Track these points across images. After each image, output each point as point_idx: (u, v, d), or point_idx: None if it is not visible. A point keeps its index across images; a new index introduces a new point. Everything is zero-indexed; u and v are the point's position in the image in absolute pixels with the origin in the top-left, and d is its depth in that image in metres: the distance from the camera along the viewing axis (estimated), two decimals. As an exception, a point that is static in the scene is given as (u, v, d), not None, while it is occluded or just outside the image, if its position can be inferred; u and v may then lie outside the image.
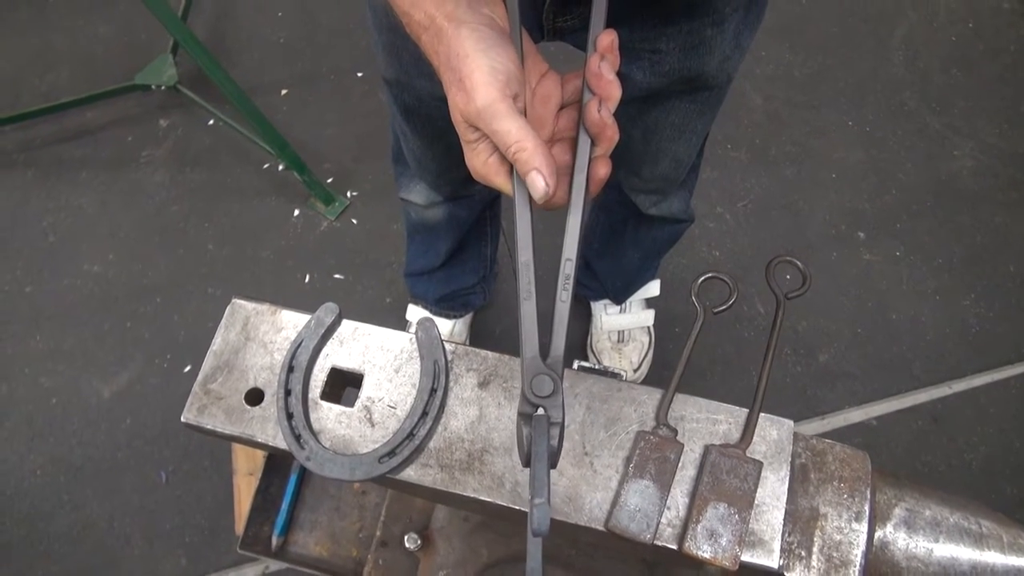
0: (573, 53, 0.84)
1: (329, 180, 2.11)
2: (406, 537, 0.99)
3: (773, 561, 0.64)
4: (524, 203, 0.57)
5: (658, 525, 0.65)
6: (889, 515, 0.69)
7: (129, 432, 1.81)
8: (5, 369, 1.88)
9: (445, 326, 1.71)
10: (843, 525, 0.67)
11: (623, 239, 1.47)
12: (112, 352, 1.90)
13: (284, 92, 2.27)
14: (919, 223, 2.05)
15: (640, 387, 0.71)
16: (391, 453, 0.68)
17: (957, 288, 1.96)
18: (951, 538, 0.69)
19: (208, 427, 0.71)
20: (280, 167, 2.12)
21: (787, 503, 0.67)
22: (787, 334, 1.89)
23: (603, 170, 0.58)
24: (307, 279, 1.97)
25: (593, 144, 0.58)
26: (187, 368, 1.87)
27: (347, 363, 0.73)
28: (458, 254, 1.52)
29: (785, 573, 0.66)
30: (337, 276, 1.96)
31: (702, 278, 0.76)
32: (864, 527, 0.67)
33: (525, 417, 0.55)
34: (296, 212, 2.08)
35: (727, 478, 0.66)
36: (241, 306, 0.76)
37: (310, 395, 0.71)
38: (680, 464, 0.68)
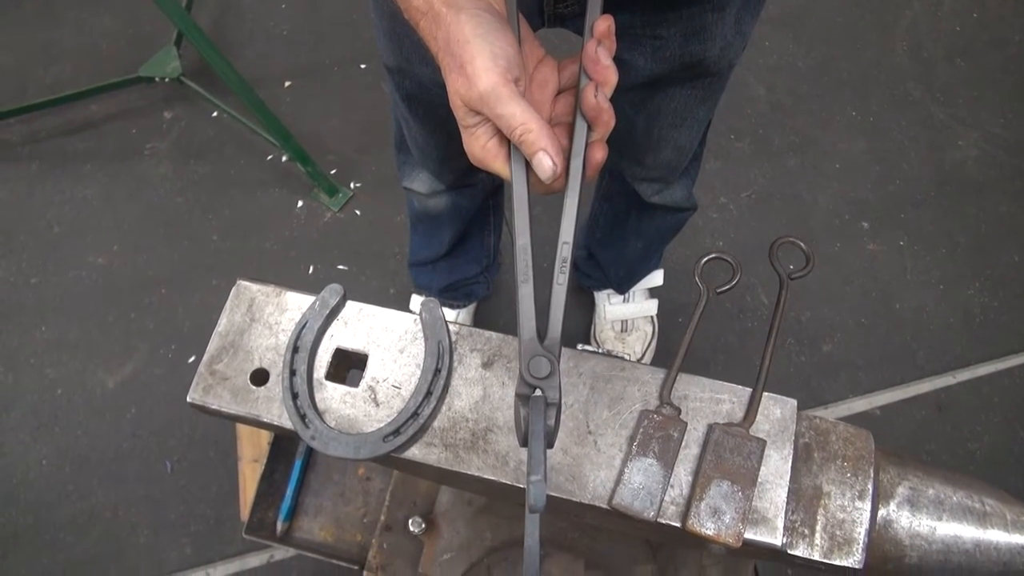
0: (572, 40, 0.84)
1: (333, 171, 2.12)
2: (410, 521, 0.99)
3: (776, 538, 0.65)
4: (522, 187, 0.58)
5: (661, 503, 0.65)
6: (892, 494, 0.69)
7: (134, 422, 1.82)
8: (11, 360, 1.89)
9: (448, 316, 1.72)
10: (846, 503, 0.67)
11: (626, 228, 1.48)
12: (117, 343, 1.90)
13: (288, 84, 2.27)
14: (923, 213, 2.04)
15: (643, 367, 0.72)
16: (395, 432, 0.68)
17: (961, 277, 1.96)
18: (954, 516, 0.69)
19: (213, 407, 0.72)
20: (284, 158, 2.13)
21: (791, 482, 0.67)
22: (790, 324, 1.89)
23: (599, 154, 0.59)
24: (311, 270, 1.98)
25: (590, 129, 0.58)
26: (192, 359, 1.87)
27: (351, 344, 0.73)
28: (461, 244, 1.52)
29: (788, 551, 0.66)
30: (341, 267, 1.96)
31: (705, 258, 0.76)
32: (867, 505, 0.67)
33: (522, 398, 0.56)
34: (300, 203, 2.08)
35: (730, 456, 0.66)
36: (246, 288, 0.76)
37: (315, 375, 0.72)
38: (684, 443, 0.68)
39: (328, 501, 1.15)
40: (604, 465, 0.67)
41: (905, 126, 2.17)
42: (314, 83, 2.28)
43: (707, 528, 0.64)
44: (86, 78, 2.21)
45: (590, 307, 1.88)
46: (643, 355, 1.78)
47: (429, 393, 0.70)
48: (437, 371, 0.70)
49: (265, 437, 1.22)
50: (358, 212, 2.07)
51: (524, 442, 0.55)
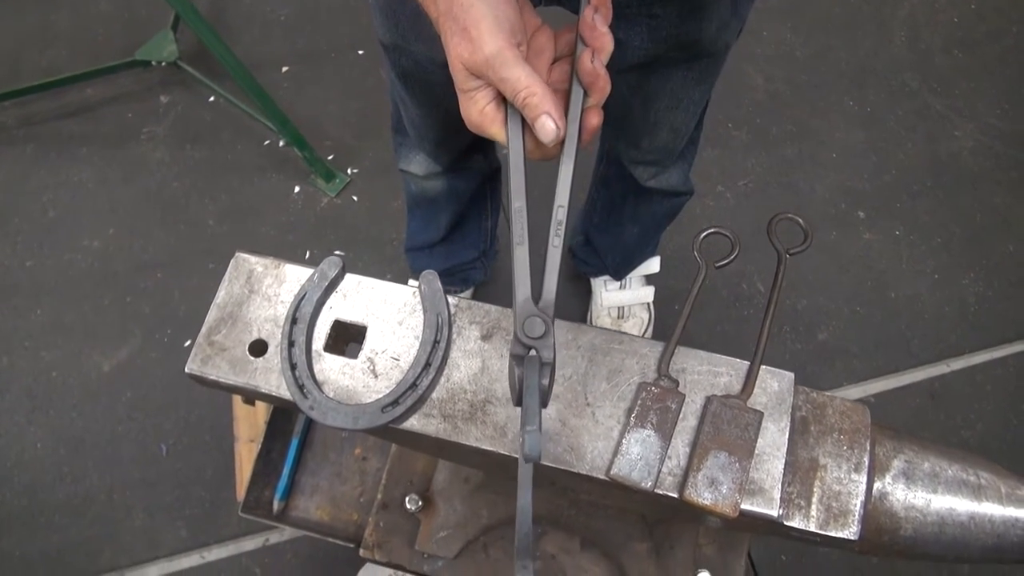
0: (568, 20, 0.84)
1: (330, 157, 2.11)
2: (407, 499, 1.00)
3: (773, 509, 0.65)
4: (519, 150, 0.59)
5: (659, 473, 0.65)
6: (888, 467, 0.70)
7: (129, 405, 1.82)
8: (5, 342, 1.88)
9: (446, 301, 1.71)
10: (842, 476, 0.68)
11: (623, 213, 1.48)
12: (112, 326, 1.90)
13: (285, 69, 2.26)
14: (919, 203, 2.05)
15: (642, 340, 0.72)
16: (394, 403, 0.68)
17: (956, 267, 1.96)
18: (949, 489, 0.69)
19: (212, 378, 0.72)
20: (281, 143, 2.12)
21: (787, 454, 0.67)
22: (786, 312, 1.89)
23: (595, 119, 0.59)
24: (307, 255, 1.97)
25: (586, 95, 0.59)
26: (187, 343, 1.87)
27: (350, 316, 0.73)
28: (458, 228, 1.52)
29: (785, 522, 0.66)
30: (337, 252, 1.96)
31: (704, 233, 0.76)
32: (863, 478, 0.67)
33: (517, 358, 0.56)
34: (297, 189, 2.08)
35: (728, 428, 0.67)
36: (245, 260, 0.76)
37: (313, 347, 0.72)
38: (681, 415, 0.68)
39: (324, 480, 1.15)
40: (602, 436, 0.68)
41: (902, 116, 2.18)
42: (312, 69, 2.27)
43: (704, 498, 0.64)
44: (82, 62, 2.20)
45: (587, 294, 1.88)
46: (639, 341, 1.78)
47: (428, 364, 0.70)
48: (436, 343, 0.71)
49: (262, 417, 1.22)
50: (355, 198, 2.07)
51: (518, 401, 0.56)
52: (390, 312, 0.73)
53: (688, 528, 0.97)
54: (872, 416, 0.71)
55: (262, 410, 1.24)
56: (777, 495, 0.65)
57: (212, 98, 2.20)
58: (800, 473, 0.68)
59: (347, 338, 0.76)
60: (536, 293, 0.58)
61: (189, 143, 2.15)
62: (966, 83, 2.23)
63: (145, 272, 1.96)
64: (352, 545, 1.08)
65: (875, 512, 0.69)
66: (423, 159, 1.26)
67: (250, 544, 1.68)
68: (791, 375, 0.70)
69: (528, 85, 0.54)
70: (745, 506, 0.65)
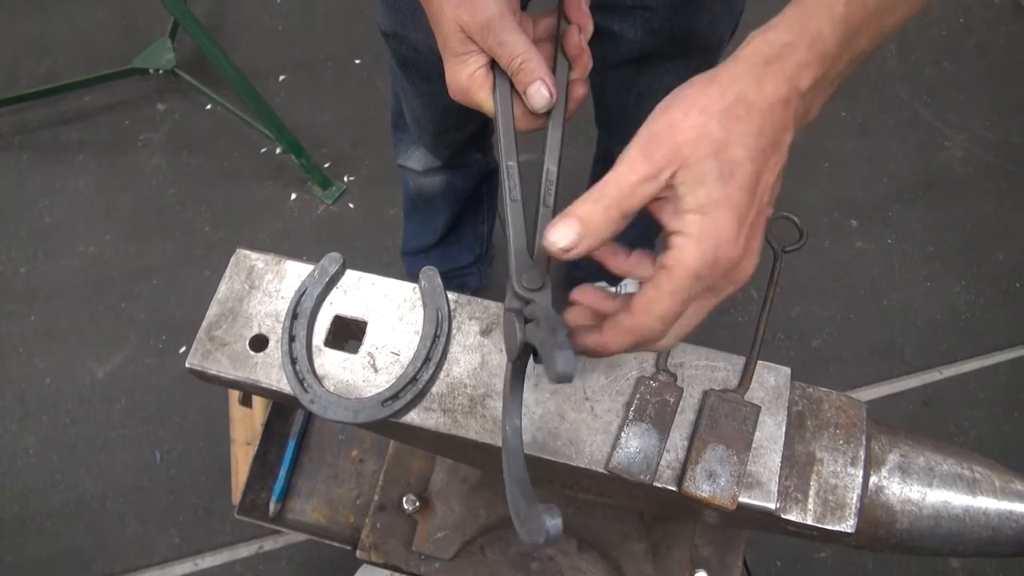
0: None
1: (326, 165, 2.12)
2: (404, 499, 0.99)
3: (771, 502, 0.65)
4: (507, 114, 0.61)
5: (657, 466, 0.66)
6: (884, 461, 0.70)
7: (123, 412, 1.81)
8: (-1, 348, 1.88)
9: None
10: (839, 469, 0.68)
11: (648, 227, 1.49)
12: (107, 332, 1.90)
13: (282, 78, 2.28)
14: (911, 212, 2.07)
15: (640, 335, 0.72)
16: (394, 397, 0.68)
17: (948, 275, 1.98)
18: (944, 483, 0.70)
19: (212, 372, 0.72)
20: (277, 151, 2.13)
21: (784, 448, 0.68)
22: (780, 319, 1.90)
23: (581, 90, 0.62)
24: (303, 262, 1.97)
25: (570, 68, 0.62)
26: (182, 349, 1.87)
27: (351, 311, 0.73)
28: (454, 231, 1.53)
29: (782, 515, 0.67)
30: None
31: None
32: (859, 472, 0.68)
33: (515, 312, 0.56)
34: (293, 196, 2.09)
35: (725, 421, 0.67)
36: (245, 256, 0.77)
37: (314, 342, 0.72)
38: (680, 408, 0.69)
39: (321, 483, 1.15)
40: (601, 430, 0.68)
41: (893, 126, 2.20)
42: (308, 77, 2.28)
43: (703, 491, 0.64)
44: (79, 70, 2.21)
45: (582, 301, 1.89)
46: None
47: (428, 359, 0.70)
48: (436, 337, 0.71)
49: (258, 419, 1.21)
50: (351, 205, 2.08)
51: (517, 355, 0.55)
52: (390, 308, 0.74)
53: (685, 528, 0.97)
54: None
55: (259, 413, 1.24)
56: (774, 488, 0.66)
57: (209, 106, 2.21)
58: (797, 467, 0.69)
59: (347, 334, 0.76)
60: (530, 251, 0.58)
61: (186, 150, 2.16)
62: (956, 94, 2.26)
63: (140, 278, 1.96)
64: (348, 547, 1.07)
65: (871, 505, 0.69)
66: (422, 154, 1.27)
67: (244, 551, 1.67)
68: (787, 370, 0.71)
69: (524, 51, 0.55)
70: (743, 499, 0.65)
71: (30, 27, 2.38)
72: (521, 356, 0.57)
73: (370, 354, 0.72)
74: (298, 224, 2.04)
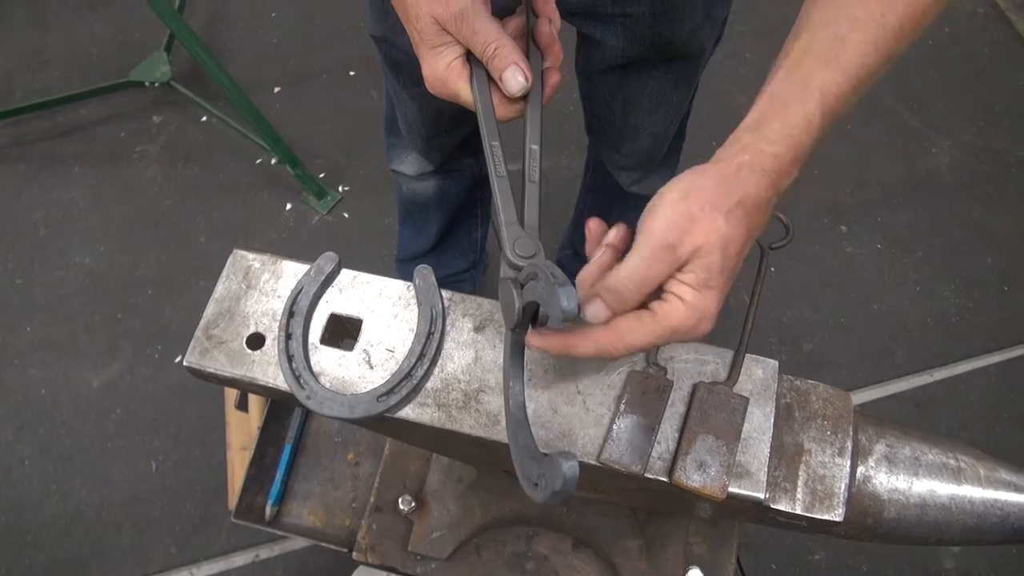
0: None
1: (321, 175, 2.14)
2: (400, 499, 1.00)
3: (760, 491, 0.67)
4: (487, 101, 0.63)
5: (648, 457, 0.67)
6: (871, 451, 0.72)
7: (119, 422, 1.81)
8: (-6, 360, 1.88)
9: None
10: (826, 460, 0.70)
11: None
12: (102, 343, 1.90)
13: (277, 90, 2.30)
14: (899, 217, 2.10)
15: (631, 330, 0.74)
16: (389, 392, 0.70)
17: (937, 279, 2.01)
18: (930, 472, 0.71)
19: (210, 370, 0.73)
20: (272, 162, 2.14)
21: (773, 439, 0.69)
22: (772, 324, 1.92)
23: (556, 76, 0.65)
24: (299, 271, 1.98)
25: (543, 58, 0.65)
26: (178, 359, 1.87)
27: (346, 309, 0.75)
28: (448, 237, 1.54)
29: (771, 505, 0.68)
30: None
31: None
32: (847, 462, 0.69)
33: (512, 281, 0.58)
34: (288, 206, 2.10)
35: (715, 413, 0.69)
36: (243, 256, 0.78)
37: (310, 340, 0.73)
38: (670, 401, 0.70)
39: (317, 486, 1.15)
40: (593, 423, 0.69)
41: (880, 134, 2.23)
42: (304, 89, 2.31)
43: (693, 480, 0.66)
44: (75, 83, 2.23)
45: (576, 307, 1.90)
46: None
47: (422, 355, 0.71)
48: (430, 334, 0.72)
49: (255, 423, 1.22)
50: (346, 215, 2.09)
51: (516, 324, 0.58)
52: (385, 306, 0.75)
53: (678, 525, 0.98)
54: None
55: (255, 417, 1.25)
56: (763, 477, 0.67)
57: (204, 118, 2.23)
58: (786, 458, 0.70)
59: (343, 333, 0.78)
60: (521, 222, 0.61)
61: (181, 162, 2.17)
62: (942, 102, 2.30)
63: (136, 289, 1.97)
64: (344, 550, 1.08)
65: (859, 495, 0.70)
66: (415, 158, 1.29)
67: (240, 560, 1.67)
68: (775, 363, 0.73)
69: (497, 38, 0.59)
70: (733, 488, 0.66)
71: (27, 41, 2.40)
72: (521, 324, 0.59)
73: (365, 351, 0.73)
74: (293, 234, 2.06)
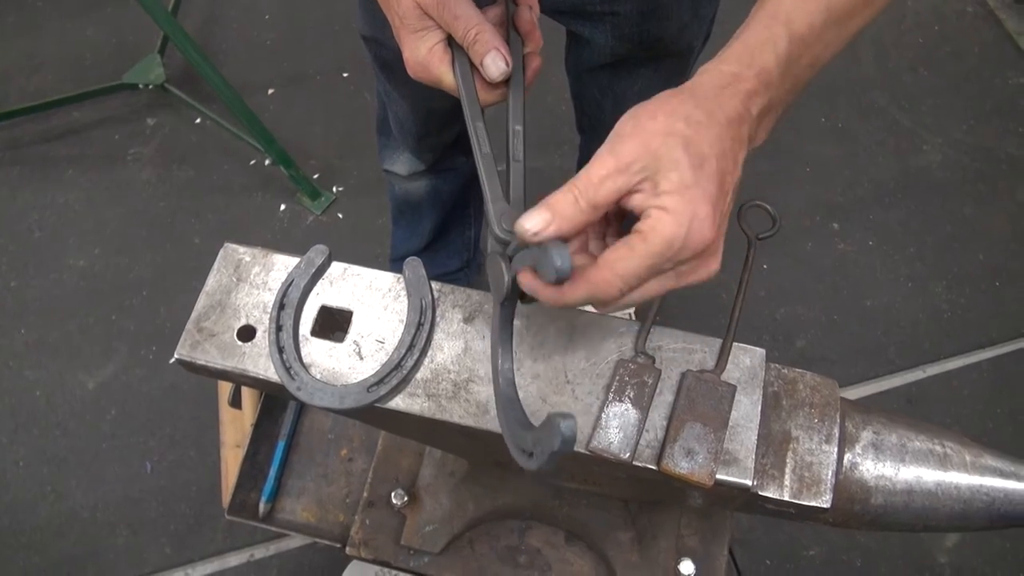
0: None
1: (315, 176, 2.14)
2: (393, 493, 1.01)
3: (748, 478, 0.67)
4: (469, 85, 0.65)
5: (637, 445, 0.67)
6: (858, 438, 0.72)
7: (114, 423, 1.81)
8: (-11, 362, 1.88)
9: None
10: (814, 447, 0.70)
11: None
12: (97, 344, 1.90)
13: (271, 92, 2.30)
14: (891, 214, 2.11)
15: (620, 320, 0.74)
16: (379, 382, 0.70)
17: (929, 276, 2.02)
18: (916, 459, 0.72)
19: (201, 363, 0.73)
20: (266, 163, 2.15)
21: (760, 427, 0.69)
22: (765, 321, 1.93)
23: (536, 61, 0.67)
24: (293, 272, 1.99)
25: (523, 43, 0.66)
26: (173, 359, 1.87)
27: (336, 301, 0.75)
28: (442, 236, 1.55)
29: (759, 492, 0.68)
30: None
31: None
32: (834, 449, 0.70)
33: (499, 254, 0.59)
34: (283, 207, 2.11)
35: (702, 400, 0.69)
36: (234, 250, 0.78)
37: (300, 331, 0.74)
38: (658, 389, 0.70)
39: (311, 482, 1.16)
40: (582, 412, 0.70)
41: (872, 132, 2.25)
42: (297, 91, 2.31)
43: (681, 467, 0.66)
44: (69, 86, 2.23)
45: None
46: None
47: (412, 346, 0.72)
48: (420, 325, 0.73)
49: (248, 421, 1.22)
50: (340, 215, 2.10)
51: (505, 299, 0.59)
52: (375, 298, 0.76)
53: (670, 517, 0.98)
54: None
55: (248, 414, 1.25)
56: (751, 464, 0.67)
57: (198, 120, 2.24)
58: (773, 445, 0.70)
59: (334, 325, 0.78)
60: (506, 197, 0.62)
61: (176, 164, 2.18)
62: (933, 100, 2.31)
63: (130, 290, 1.97)
64: (338, 545, 1.08)
65: (846, 482, 0.71)
66: (407, 158, 1.30)
67: (235, 560, 1.67)
68: (762, 351, 0.73)
69: (478, 23, 0.60)
70: (721, 475, 0.67)
71: (20, 44, 2.40)
72: (509, 297, 0.59)
73: (356, 342, 0.73)
74: (288, 235, 2.06)
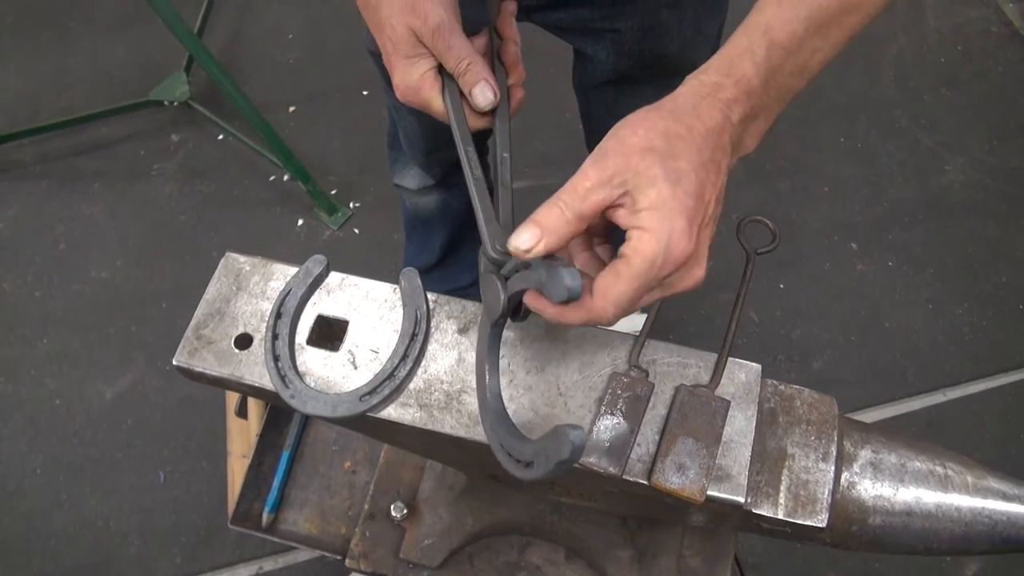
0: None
1: (333, 191, 2.17)
2: (392, 506, 1.01)
3: (740, 495, 0.66)
4: (459, 111, 0.67)
5: (628, 459, 0.67)
6: (855, 457, 0.71)
7: (130, 432, 1.83)
8: (11, 370, 1.92)
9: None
10: (810, 465, 0.69)
11: (612, 236, 1.51)
12: (116, 355, 1.93)
13: (292, 109, 2.35)
14: (911, 235, 2.08)
15: (614, 332, 0.74)
16: (372, 392, 0.70)
17: (950, 297, 1.98)
18: (916, 480, 0.70)
19: (198, 370, 0.74)
20: (286, 178, 2.18)
21: (756, 444, 0.68)
22: (781, 341, 1.90)
23: (520, 93, 0.70)
24: (309, 286, 2.01)
25: (507, 75, 0.70)
26: (169, 367, 1.89)
27: (333, 311, 0.76)
28: (453, 252, 1.56)
29: (753, 509, 0.67)
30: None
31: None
32: (831, 467, 0.69)
33: (494, 273, 0.62)
34: (300, 222, 2.13)
35: (695, 415, 0.68)
36: (235, 259, 0.80)
37: (296, 340, 0.74)
38: (651, 403, 0.70)
39: (314, 494, 1.16)
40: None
41: (892, 151, 2.22)
42: (318, 109, 2.35)
43: (672, 482, 0.65)
44: (98, 102, 2.29)
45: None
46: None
47: (405, 356, 0.72)
48: (414, 335, 0.73)
49: (255, 431, 1.23)
50: (356, 231, 2.12)
51: (503, 315, 0.61)
52: (371, 308, 0.76)
53: (671, 536, 0.97)
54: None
55: (254, 424, 1.26)
56: (744, 481, 0.66)
57: (221, 136, 2.28)
58: (768, 462, 0.69)
59: (330, 335, 0.79)
60: (498, 218, 0.65)
61: (197, 179, 2.22)
62: (954, 120, 2.28)
63: (150, 302, 2.00)
64: (339, 557, 1.08)
65: (843, 501, 0.70)
66: (417, 172, 1.31)
67: (244, 571, 1.67)
68: (758, 367, 0.72)
69: (470, 55, 0.62)
70: (712, 492, 0.66)
71: (52, 62, 2.48)
72: (502, 316, 0.61)
73: (351, 352, 0.74)
74: (305, 249, 2.09)
